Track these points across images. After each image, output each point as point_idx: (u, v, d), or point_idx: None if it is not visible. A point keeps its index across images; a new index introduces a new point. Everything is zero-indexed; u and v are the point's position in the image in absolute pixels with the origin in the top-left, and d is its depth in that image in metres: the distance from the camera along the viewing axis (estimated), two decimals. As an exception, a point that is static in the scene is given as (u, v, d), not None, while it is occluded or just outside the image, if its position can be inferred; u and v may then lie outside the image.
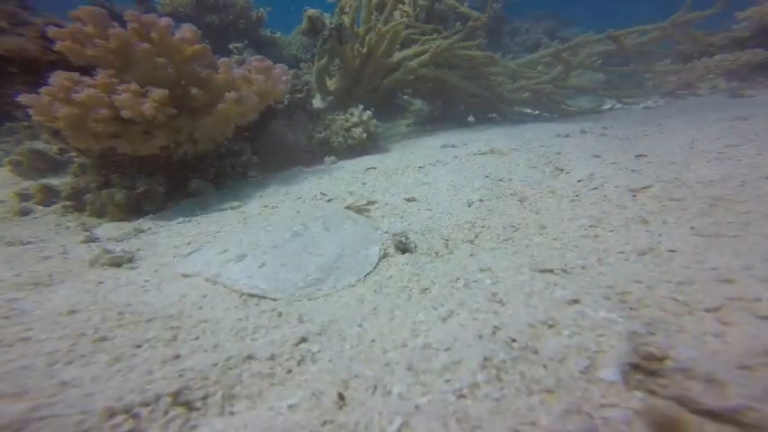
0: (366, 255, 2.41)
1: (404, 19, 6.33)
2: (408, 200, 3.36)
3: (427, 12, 7.58)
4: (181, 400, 1.40)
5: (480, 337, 1.42)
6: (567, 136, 5.52)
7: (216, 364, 1.56)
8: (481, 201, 3.12)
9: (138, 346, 1.70)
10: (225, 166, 4.81)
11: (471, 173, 3.83)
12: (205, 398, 1.42)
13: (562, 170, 3.69)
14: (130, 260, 2.79)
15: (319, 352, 1.59)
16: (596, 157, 4.04)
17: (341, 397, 1.32)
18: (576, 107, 8.03)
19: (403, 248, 2.50)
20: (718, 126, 4.84)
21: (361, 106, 6.36)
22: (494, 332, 1.45)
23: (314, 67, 7.30)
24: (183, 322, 1.88)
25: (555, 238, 2.34)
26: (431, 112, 8.99)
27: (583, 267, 1.85)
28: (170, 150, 4.14)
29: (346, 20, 6.68)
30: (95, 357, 1.61)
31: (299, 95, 6.62)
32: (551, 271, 1.89)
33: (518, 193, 3.24)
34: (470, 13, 7.16)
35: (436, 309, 1.76)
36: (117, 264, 2.73)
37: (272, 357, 1.59)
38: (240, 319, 1.88)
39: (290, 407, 1.32)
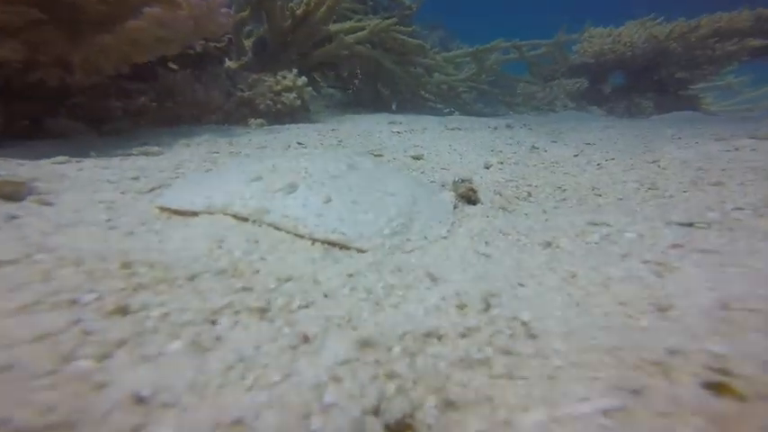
0: (440, 200, 1.79)
1: (347, -15, 5.62)
2: (415, 158, 2.78)
3: (357, -9, 6.94)
4: (389, 419, 0.66)
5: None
6: (496, 128, 5.53)
7: (390, 349, 0.82)
8: (501, 163, 2.73)
9: (213, 322, 0.83)
10: (112, 108, 3.40)
11: (458, 141, 3.42)
12: (413, 412, 0.69)
13: (537, 149, 3.53)
14: (30, 193, 1.62)
15: (532, 321, 0.96)
16: (554, 142, 4.03)
17: (720, 386, 0.72)
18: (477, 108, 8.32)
19: (469, 199, 1.94)
20: (611, 131, 5.44)
21: (295, 70, 5.43)
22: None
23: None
24: (251, 281, 1.03)
25: (621, 198, 2.07)
26: (344, 97, 8.34)
27: (721, 223, 1.58)
28: (11, 70, 2.60)
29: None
30: (150, 343, 0.72)
31: (217, 45, 5.38)
32: (691, 224, 1.57)
33: (521, 161, 2.93)
34: (403, 0, 6.78)
35: (622, 262, 1.28)
36: (10, 195, 1.55)
37: (466, 333, 0.91)
38: (351, 276, 1.11)
39: (606, 412, 0.69)
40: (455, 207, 1.84)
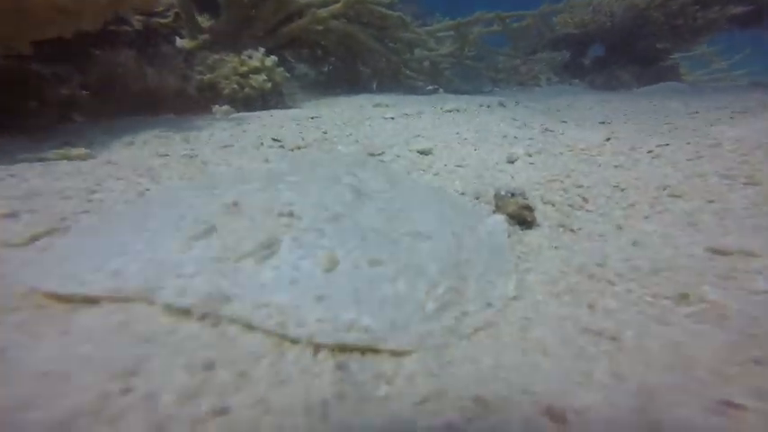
0: (489, 232, 1.19)
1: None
2: (422, 153, 2.16)
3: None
4: None
5: None
6: (488, 107, 4.95)
7: None
8: (530, 156, 2.14)
9: None
10: (19, 98, 2.61)
11: (463, 127, 2.82)
12: None
13: (552, 131, 2.97)
14: None
15: None
16: (563, 122, 3.48)
17: None
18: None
19: (523, 220, 1.35)
20: (610, 105, 5.00)
21: (262, 49, 4.64)
22: None
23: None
24: None
25: (712, 201, 1.53)
26: (318, 76, 7.53)
27: None
28: None
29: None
30: None
31: (162, 21, 4.55)
32: None
33: (544, 150, 2.36)
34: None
35: None
36: None
37: None
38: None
39: None
40: (508, 236, 1.25)
